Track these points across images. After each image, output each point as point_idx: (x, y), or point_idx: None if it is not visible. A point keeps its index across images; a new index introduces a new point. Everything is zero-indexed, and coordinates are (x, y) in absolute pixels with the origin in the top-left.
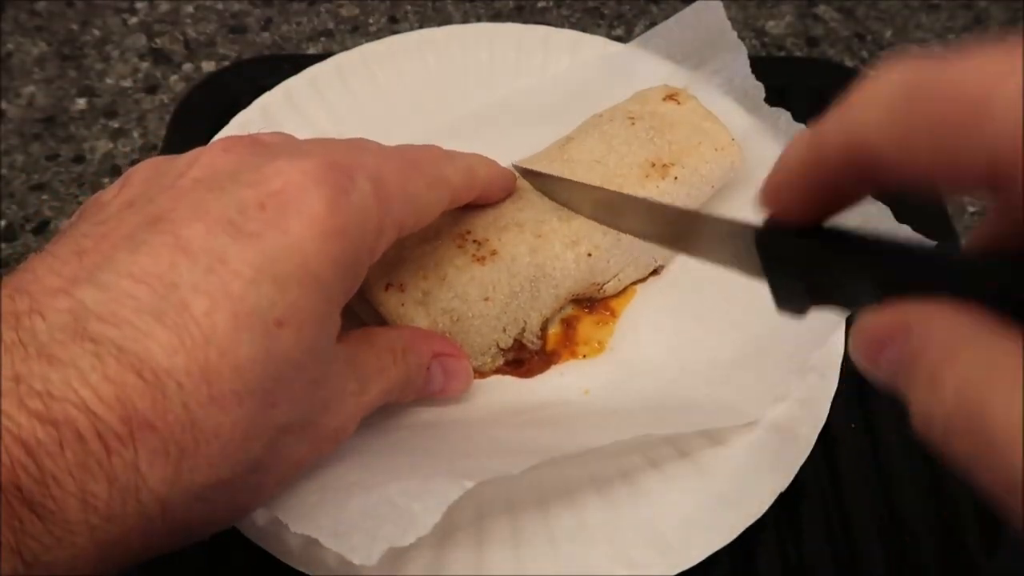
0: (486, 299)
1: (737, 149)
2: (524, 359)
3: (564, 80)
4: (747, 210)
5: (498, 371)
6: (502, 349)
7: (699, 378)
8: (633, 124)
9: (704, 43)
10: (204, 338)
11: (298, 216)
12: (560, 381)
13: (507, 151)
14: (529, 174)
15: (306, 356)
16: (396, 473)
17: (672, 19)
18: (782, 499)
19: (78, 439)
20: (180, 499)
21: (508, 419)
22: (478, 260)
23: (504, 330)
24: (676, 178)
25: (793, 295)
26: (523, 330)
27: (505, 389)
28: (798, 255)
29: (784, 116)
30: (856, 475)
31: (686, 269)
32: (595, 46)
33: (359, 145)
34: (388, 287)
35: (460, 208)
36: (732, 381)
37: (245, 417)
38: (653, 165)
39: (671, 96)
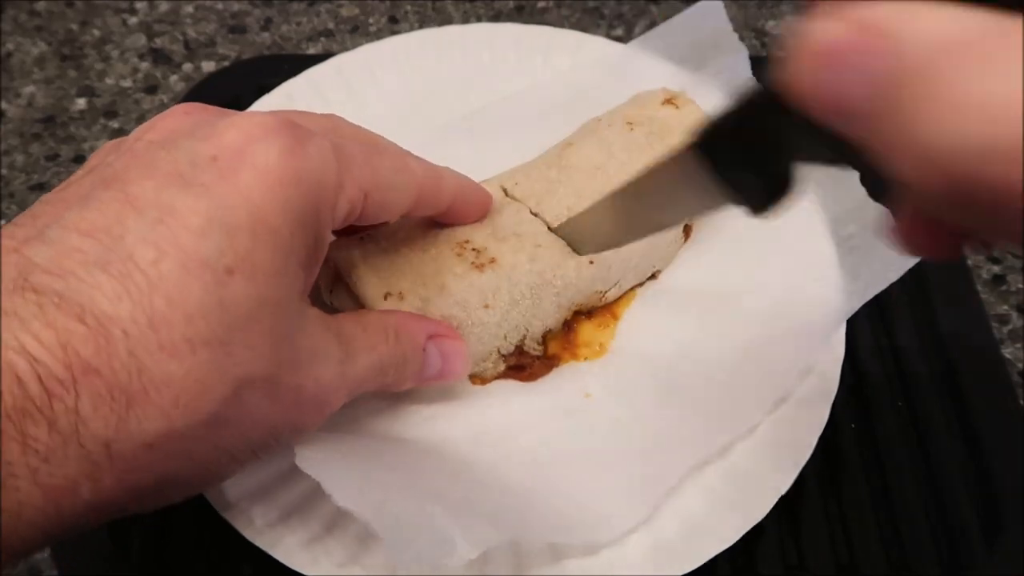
0: (486, 306)
1: None
2: (526, 364)
3: (563, 81)
4: (747, 218)
5: (499, 376)
6: (503, 356)
7: (700, 381)
8: (632, 130)
9: (705, 44)
10: (150, 286)
11: (250, 166)
12: (562, 384)
13: (505, 154)
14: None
15: (262, 307)
16: (429, 488)
17: (673, 19)
18: (782, 499)
19: (17, 383)
20: (128, 446)
21: (513, 438)
22: (477, 267)
23: (505, 337)
24: None
25: (755, 186)
26: (524, 337)
27: (509, 395)
28: (738, 141)
29: None
30: (856, 475)
31: (683, 273)
32: (595, 47)
33: (327, 122)
34: (387, 296)
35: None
36: (733, 383)
37: (199, 366)
38: None
39: (669, 100)
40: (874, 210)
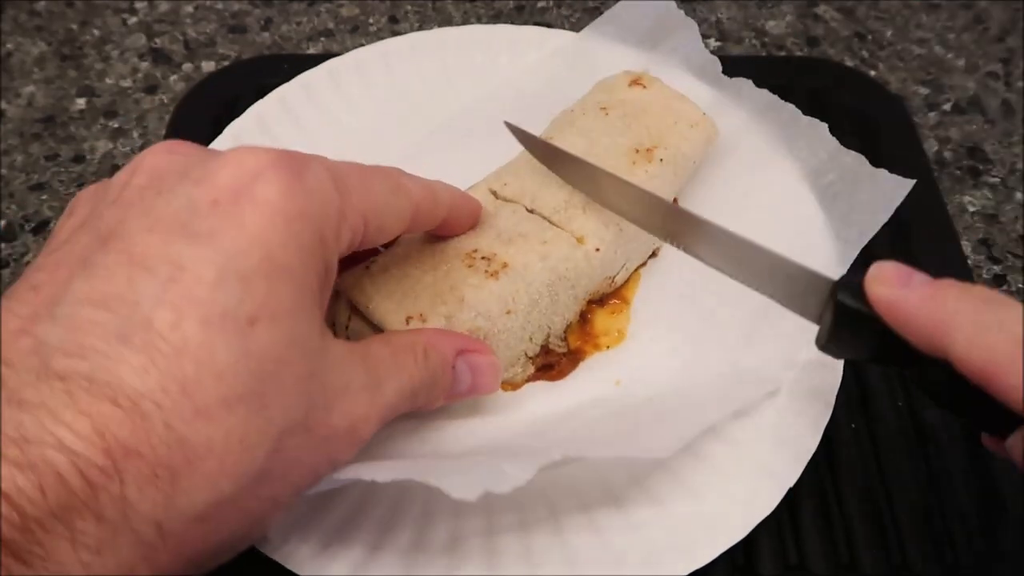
0: (508, 312)
1: (710, 123)
2: (553, 363)
3: (528, 79)
4: (722, 182)
5: (530, 379)
6: (531, 358)
7: (722, 350)
8: (607, 115)
9: (655, 24)
10: (175, 352)
11: (253, 206)
12: (590, 376)
13: (483, 158)
14: (533, 142)
15: (289, 350)
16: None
17: (618, 5)
18: (783, 499)
19: (59, 481)
20: (179, 523)
21: (552, 432)
22: (491, 275)
23: (531, 339)
24: (662, 160)
25: (845, 345)
26: (548, 336)
27: (540, 396)
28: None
29: (746, 84)
30: (856, 475)
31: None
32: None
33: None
34: (409, 320)
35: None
36: (751, 348)
37: (238, 425)
38: (637, 151)
39: (636, 81)
40: (848, 156)
